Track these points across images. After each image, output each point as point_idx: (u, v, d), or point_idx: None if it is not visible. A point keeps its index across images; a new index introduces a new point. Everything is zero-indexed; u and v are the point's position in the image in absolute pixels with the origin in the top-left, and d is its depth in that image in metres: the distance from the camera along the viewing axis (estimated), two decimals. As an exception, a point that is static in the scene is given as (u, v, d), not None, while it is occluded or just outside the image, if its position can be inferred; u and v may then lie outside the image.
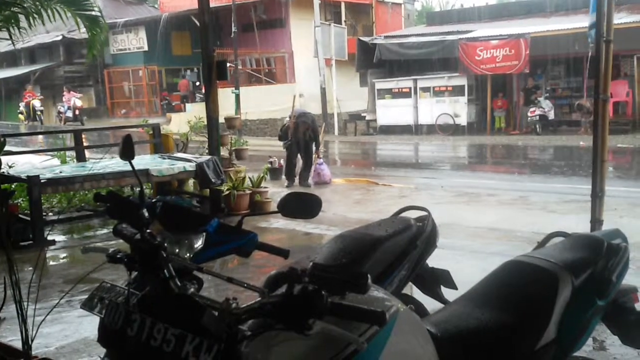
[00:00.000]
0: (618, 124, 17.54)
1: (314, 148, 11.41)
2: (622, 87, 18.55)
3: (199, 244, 2.40)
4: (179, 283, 1.62)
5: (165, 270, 1.64)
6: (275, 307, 1.51)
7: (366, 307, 1.49)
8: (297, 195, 2.37)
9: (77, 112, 28.76)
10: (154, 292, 1.63)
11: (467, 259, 6.29)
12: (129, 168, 2.35)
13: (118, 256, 1.83)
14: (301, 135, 11.08)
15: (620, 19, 16.16)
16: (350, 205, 9.72)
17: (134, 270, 1.79)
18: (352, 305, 1.50)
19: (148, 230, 1.76)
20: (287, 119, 11.58)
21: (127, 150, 2.41)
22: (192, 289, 1.61)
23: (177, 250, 2.35)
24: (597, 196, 5.43)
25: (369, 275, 1.49)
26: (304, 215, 2.38)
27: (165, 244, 1.89)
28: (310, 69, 25.38)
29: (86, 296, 2.23)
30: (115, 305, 1.63)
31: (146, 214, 1.84)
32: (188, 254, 2.37)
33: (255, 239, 2.53)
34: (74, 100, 28.84)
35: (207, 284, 2.37)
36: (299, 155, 11.40)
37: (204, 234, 2.41)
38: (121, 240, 2.04)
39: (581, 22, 16.54)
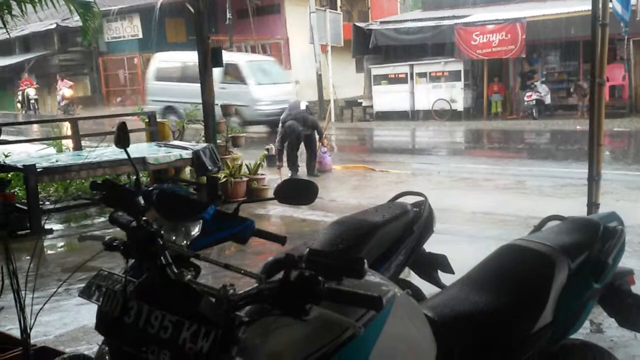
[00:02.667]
0: (614, 108, 17.55)
1: (317, 137, 11.28)
2: (618, 71, 18.55)
3: (195, 231, 2.41)
4: (175, 270, 1.62)
5: (162, 258, 1.64)
6: (272, 293, 1.51)
7: (363, 292, 1.49)
8: (293, 181, 2.38)
9: (63, 102, 28.59)
10: (151, 279, 1.63)
11: (464, 243, 6.31)
12: (125, 156, 2.35)
13: (114, 244, 1.83)
14: (299, 133, 10.92)
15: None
16: (347, 192, 9.72)
17: (131, 258, 1.79)
18: (349, 290, 1.50)
19: (144, 218, 1.76)
20: (280, 125, 11.27)
21: (122, 138, 2.41)
22: (189, 276, 1.61)
23: (174, 238, 2.37)
24: (593, 180, 5.44)
25: (365, 261, 1.49)
26: (300, 201, 2.39)
27: (162, 232, 1.90)
28: (305, 56, 25.28)
29: (84, 284, 2.24)
30: (112, 293, 1.63)
31: (142, 202, 1.84)
32: (185, 241, 2.39)
33: (252, 225, 2.54)
34: (63, 89, 28.72)
35: (204, 271, 2.38)
36: (302, 146, 11.23)
37: (201, 221, 2.42)
38: (118, 229, 2.05)
39: (577, 6, 16.55)
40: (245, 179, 9.07)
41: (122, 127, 2.46)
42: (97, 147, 8.64)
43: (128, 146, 2.41)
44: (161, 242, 1.68)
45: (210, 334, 1.47)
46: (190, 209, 2.45)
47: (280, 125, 11.10)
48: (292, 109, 11.26)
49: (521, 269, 2.25)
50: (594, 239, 2.35)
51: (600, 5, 5.25)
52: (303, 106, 11.21)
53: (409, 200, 3.45)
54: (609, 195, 7.31)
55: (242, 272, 1.66)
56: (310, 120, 11.10)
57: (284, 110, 11.36)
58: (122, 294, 1.60)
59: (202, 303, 1.48)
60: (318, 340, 1.57)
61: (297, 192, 2.36)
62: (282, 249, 2.73)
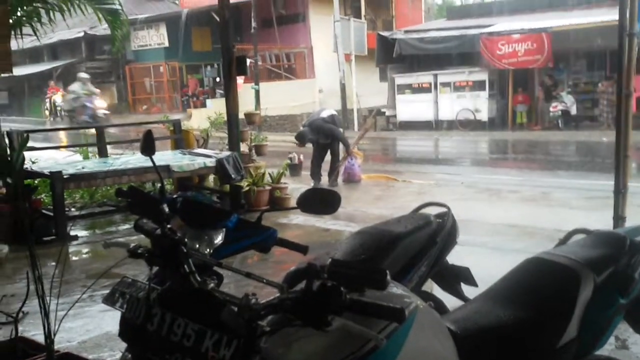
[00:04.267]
0: (642, 119, 17.30)
1: (340, 148, 11.25)
2: (646, 82, 18.30)
3: (218, 239, 2.42)
4: (199, 278, 1.63)
5: (185, 266, 1.65)
6: (294, 303, 1.52)
7: (385, 303, 1.49)
8: (316, 191, 2.38)
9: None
10: (175, 287, 1.64)
11: (488, 255, 6.26)
12: (149, 164, 2.37)
13: (139, 251, 1.85)
14: (322, 141, 10.93)
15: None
16: (369, 201, 9.69)
17: (155, 266, 1.80)
18: (371, 301, 1.50)
19: (169, 226, 1.77)
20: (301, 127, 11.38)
21: (148, 146, 2.43)
22: (211, 285, 1.62)
23: (197, 246, 2.38)
24: (619, 192, 5.38)
25: (387, 272, 1.49)
26: (323, 211, 2.39)
27: (186, 240, 1.91)
28: (329, 64, 25.34)
29: (108, 291, 2.26)
30: (136, 300, 1.65)
31: (167, 210, 1.85)
32: (208, 250, 2.40)
33: (275, 235, 2.54)
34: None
35: (227, 279, 2.38)
36: (328, 154, 11.23)
37: (224, 229, 2.43)
38: (142, 236, 2.06)
39: (604, 15, 16.38)
40: (268, 187, 9.10)
41: (148, 135, 2.48)
42: (122, 154, 8.72)
43: (153, 154, 2.43)
44: (185, 250, 1.69)
45: (232, 343, 1.47)
46: (214, 217, 2.47)
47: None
48: (312, 116, 11.41)
49: (546, 283, 2.22)
50: (620, 253, 2.32)
51: (628, 15, 5.20)
52: (325, 114, 11.20)
53: (432, 211, 3.44)
54: (636, 208, 7.19)
55: (264, 281, 1.66)
56: (327, 128, 10.90)
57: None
58: (146, 301, 1.61)
59: (225, 312, 1.49)
60: (340, 351, 1.56)
61: (320, 202, 2.36)
62: (304, 258, 2.73)
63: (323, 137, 10.86)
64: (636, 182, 6.94)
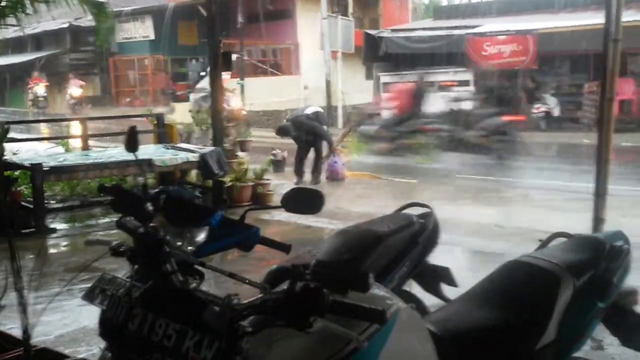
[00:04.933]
0: (623, 123, 17.44)
1: (323, 146, 11.25)
2: (628, 85, 18.46)
3: (201, 237, 2.41)
4: (181, 278, 1.63)
5: (167, 265, 1.65)
6: (276, 304, 1.52)
7: (367, 305, 1.49)
8: (300, 190, 2.38)
9: (72, 101, 28.64)
10: (156, 286, 1.63)
11: (468, 255, 6.31)
12: (132, 157, 2.36)
13: (121, 249, 1.84)
14: (304, 138, 10.94)
15: (629, 16, 16.05)
16: (352, 199, 9.71)
17: (137, 264, 1.79)
18: (353, 303, 1.50)
19: (151, 224, 1.76)
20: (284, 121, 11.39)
21: (132, 143, 2.42)
22: (194, 284, 1.62)
23: (179, 244, 2.36)
24: (599, 195, 5.43)
25: (370, 274, 1.49)
26: (306, 210, 2.38)
27: (168, 237, 1.90)
28: (315, 61, 25.32)
29: (87, 285, 2.24)
30: (117, 299, 1.64)
31: (150, 208, 1.84)
32: (190, 247, 2.38)
33: (258, 233, 2.53)
34: (72, 88, 28.81)
35: (208, 275, 2.37)
36: (311, 151, 11.23)
37: (207, 227, 2.42)
38: (122, 231, 2.05)
39: (589, 19, 16.50)
40: (251, 183, 9.08)
41: (133, 131, 2.47)
42: (106, 148, 8.65)
43: (137, 151, 2.42)
44: (167, 250, 1.68)
45: (214, 343, 1.47)
46: (197, 215, 2.45)
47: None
48: (296, 112, 11.47)
49: (526, 285, 2.25)
50: (600, 257, 2.35)
51: (614, 21, 5.25)
52: (309, 111, 11.20)
53: (415, 211, 3.45)
54: (615, 210, 7.25)
55: (247, 281, 1.66)
56: (309, 125, 10.89)
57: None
58: (127, 301, 1.60)
59: (206, 312, 1.48)
60: (321, 352, 1.57)
61: (304, 202, 2.35)
62: (287, 256, 2.74)
63: (305, 133, 10.85)
64: (615, 184, 7.02)
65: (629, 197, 8.93)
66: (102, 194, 2.55)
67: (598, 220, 5.40)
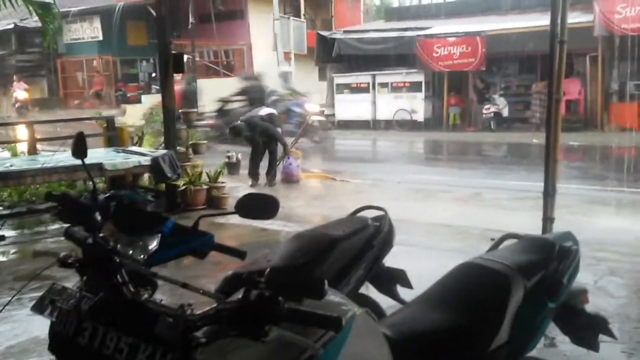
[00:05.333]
0: (570, 122, 17.96)
1: (278, 148, 11.22)
2: (574, 86, 18.99)
3: (153, 245, 2.36)
4: (132, 289, 1.59)
5: (118, 276, 1.61)
6: (231, 313, 1.50)
7: (322, 312, 1.49)
8: (254, 196, 2.36)
9: (17, 104, 27.88)
10: (106, 298, 1.60)
11: (422, 255, 6.36)
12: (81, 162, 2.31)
13: (69, 261, 1.79)
14: (257, 139, 10.90)
15: (574, 18, 16.50)
16: (307, 201, 9.72)
17: (86, 276, 1.75)
18: (309, 311, 1.49)
19: (101, 234, 1.72)
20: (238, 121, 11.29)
21: (79, 149, 2.37)
22: (145, 295, 1.58)
23: (130, 252, 2.31)
24: (549, 195, 5.55)
25: (325, 281, 1.49)
26: (261, 216, 2.36)
27: (119, 246, 1.86)
28: (268, 62, 25.24)
29: (36, 294, 2.18)
30: (66, 313, 1.59)
31: (99, 218, 1.80)
32: (142, 256, 2.33)
33: (212, 240, 2.50)
34: (18, 91, 28.03)
35: (161, 283, 2.33)
36: (266, 153, 11.20)
37: (159, 235, 2.37)
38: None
39: (536, 20, 16.92)
40: (205, 186, 8.98)
41: (80, 137, 2.42)
42: (55, 152, 8.43)
43: (85, 157, 2.37)
44: (117, 260, 1.64)
45: (167, 356, 1.45)
46: (149, 223, 2.40)
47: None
48: (250, 113, 11.42)
49: (478, 287, 2.28)
50: (550, 258, 2.39)
51: (559, 23, 5.37)
52: (263, 112, 11.22)
53: (370, 214, 3.46)
54: (563, 209, 7.45)
55: (201, 292, 1.64)
56: (262, 127, 10.87)
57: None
58: (76, 314, 1.56)
59: (159, 324, 1.45)
60: None
61: (258, 207, 2.34)
62: (242, 262, 2.71)
63: (258, 134, 10.81)
64: (563, 183, 7.20)
65: (577, 196, 9.17)
66: (49, 202, 2.48)
67: (548, 220, 5.51)
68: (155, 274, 1.69)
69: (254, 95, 17.76)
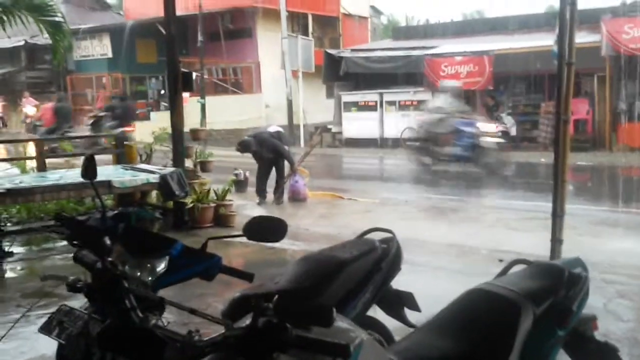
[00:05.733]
0: (578, 142, 17.90)
1: (285, 165, 11.24)
2: (582, 106, 18.95)
3: (161, 267, 2.37)
4: (140, 315, 1.59)
5: (126, 301, 1.61)
6: (238, 340, 1.49)
7: (330, 339, 1.48)
8: (262, 219, 2.37)
9: (28, 120, 27.98)
10: (115, 324, 1.60)
11: (430, 275, 6.34)
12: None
13: (78, 285, 1.79)
14: (265, 155, 10.92)
15: (582, 38, 16.50)
16: (315, 220, 9.70)
17: (95, 301, 1.75)
18: (317, 338, 1.49)
19: (110, 259, 1.72)
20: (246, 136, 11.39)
21: (89, 170, 2.39)
22: (153, 321, 1.58)
23: (138, 274, 2.32)
24: (557, 216, 5.52)
25: (334, 309, 1.48)
26: (269, 238, 2.37)
27: (126, 268, 1.86)
28: (276, 80, 25.40)
29: (43, 311, 2.18)
30: (75, 338, 1.59)
31: (108, 242, 1.80)
32: (150, 278, 2.34)
33: (219, 262, 2.51)
34: (27, 107, 28.16)
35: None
36: (273, 170, 11.22)
37: (167, 257, 2.38)
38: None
39: (543, 40, 16.93)
40: (212, 204, 9.00)
41: (90, 159, 2.44)
42: (68, 170, 8.46)
43: (95, 178, 2.38)
44: (126, 285, 1.65)
45: None
46: (157, 245, 2.41)
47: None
48: (258, 130, 11.56)
49: (487, 314, 2.26)
50: (559, 285, 2.37)
51: (567, 45, 5.39)
52: (272, 129, 11.30)
53: (377, 236, 3.46)
54: (571, 230, 7.41)
55: (209, 318, 1.63)
56: (271, 143, 10.89)
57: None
58: (85, 340, 1.56)
59: (167, 351, 1.45)
60: None
61: (266, 230, 2.35)
62: (250, 284, 2.71)
63: (266, 150, 10.84)
64: (571, 203, 7.18)
65: (585, 217, 9.13)
66: (59, 222, 2.49)
67: (556, 241, 5.48)
68: (163, 299, 1.69)
69: (118, 112, 20.02)
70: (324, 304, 1.51)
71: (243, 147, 10.94)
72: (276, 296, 1.53)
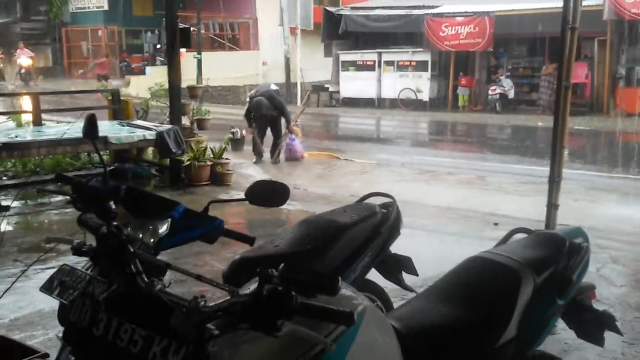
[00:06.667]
0: (576, 106, 17.84)
1: (283, 123, 11.23)
2: (582, 70, 18.83)
3: (164, 230, 2.37)
4: (146, 279, 1.59)
5: (132, 266, 1.61)
6: (244, 307, 1.50)
7: (335, 307, 1.49)
8: (265, 184, 2.36)
9: (23, 71, 27.68)
10: (121, 289, 1.60)
11: (426, 239, 6.37)
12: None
13: (84, 249, 1.79)
14: (265, 113, 10.86)
15: (585, 1, 16.31)
16: (311, 180, 9.71)
17: (100, 265, 1.75)
18: (322, 306, 1.50)
19: (115, 224, 1.72)
20: (248, 99, 11.30)
21: (91, 130, 2.37)
22: (159, 286, 1.58)
23: (140, 236, 2.32)
24: (554, 181, 5.51)
25: (340, 279, 1.49)
26: (271, 204, 2.37)
27: (129, 230, 1.85)
28: (274, 37, 25.11)
29: (42, 266, 2.19)
30: (81, 303, 1.60)
31: (113, 207, 1.79)
32: (152, 240, 2.34)
33: (222, 226, 2.51)
34: (22, 58, 27.84)
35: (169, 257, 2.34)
36: (269, 130, 11.19)
37: (170, 220, 2.38)
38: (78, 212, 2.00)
39: (545, 2, 16.74)
40: (209, 163, 8.97)
41: (92, 119, 2.42)
42: (71, 124, 8.37)
43: (97, 138, 2.37)
44: (132, 250, 1.64)
45: (181, 350, 1.45)
46: (159, 208, 2.41)
47: (248, 100, 11.16)
48: (262, 87, 11.42)
49: (488, 282, 2.27)
50: (560, 255, 2.38)
51: (572, 9, 5.31)
52: (274, 87, 11.29)
53: (378, 201, 3.46)
54: (567, 195, 7.43)
55: (215, 284, 1.64)
56: (278, 101, 10.98)
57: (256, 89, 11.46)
58: (91, 305, 1.56)
59: (174, 317, 1.46)
60: (288, 354, 1.56)
61: (269, 194, 2.35)
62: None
63: (271, 108, 10.84)
64: (568, 168, 7.19)
65: (581, 182, 9.16)
66: (59, 183, 2.48)
67: (552, 206, 5.49)
68: (170, 265, 1.69)
69: None
70: (330, 274, 1.51)
71: (256, 109, 10.80)
72: (282, 264, 1.53)
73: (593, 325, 2.50)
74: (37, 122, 9.41)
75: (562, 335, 4.13)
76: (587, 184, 9.19)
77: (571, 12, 5.32)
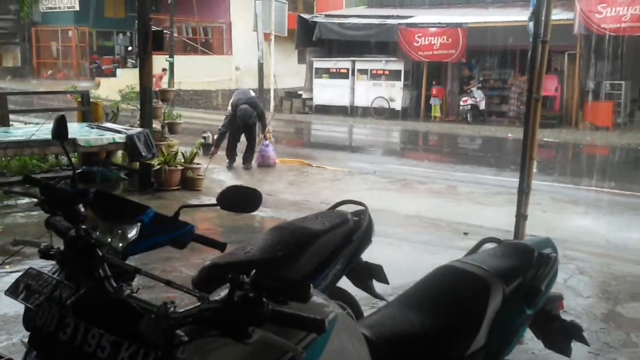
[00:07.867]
0: (545, 118, 18.09)
1: (258, 129, 11.20)
2: (551, 82, 19.13)
3: (132, 234, 2.33)
4: (114, 284, 1.56)
5: (100, 270, 1.58)
6: (214, 313, 1.48)
7: (306, 314, 1.48)
8: (237, 188, 2.34)
9: None
10: (88, 293, 1.57)
11: (397, 247, 6.39)
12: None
13: (51, 252, 1.75)
14: (251, 121, 10.83)
15: (555, 15, 16.51)
16: (283, 186, 9.69)
17: (68, 268, 1.71)
18: (293, 313, 1.49)
19: (83, 227, 1.68)
20: (230, 107, 11.22)
21: (60, 131, 2.33)
22: (128, 291, 1.55)
23: (109, 240, 2.28)
24: (523, 192, 5.59)
25: (311, 285, 1.48)
26: (243, 209, 2.35)
27: (97, 233, 1.82)
28: (248, 42, 25.04)
29: (7, 269, 2.14)
30: (48, 307, 1.56)
31: (82, 209, 1.76)
32: (121, 244, 2.30)
33: (192, 230, 2.48)
34: None
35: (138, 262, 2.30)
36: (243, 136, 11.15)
37: (139, 224, 2.34)
38: (45, 216, 1.96)
39: (517, 15, 17.00)
40: (180, 167, 8.89)
41: (61, 120, 2.38)
42: (39, 124, 8.24)
43: (66, 139, 2.33)
44: (100, 254, 1.61)
45: (149, 356, 1.43)
46: (129, 211, 2.37)
47: (229, 108, 11.05)
48: (243, 94, 11.31)
49: (458, 291, 2.28)
50: (529, 265, 2.41)
51: (543, 22, 5.39)
52: (252, 93, 11.28)
53: (350, 208, 3.46)
54: (535, 206, 7.53)
55: (185, 290, 1.61)
56: (260, 108, 11.06)
57: (234, 95, 11.34)
58: (58, 309, 1.53)
59: (142, 323, 1.43)
60: None
61: (240, 200, 2.32)
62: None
63: (256, 116, 10.86)
64: (536, 179, 7.29)
65: (549, 193, 9.29)
66: (27, 185, 2.43)
67: (521, 217, 5.56)
68: (139, 269, 1.66)
69: None
70: (301, 281, 1.50)
71: (245, 118, 10.73)
72: (253, 270, 1.51)
73: (560, 335, 2.52)
74: (4, 122, 9.24)
75: (529, 345, 4.17)
76: (555, 195, 9.32)
77: (542, 25, 5.41)
